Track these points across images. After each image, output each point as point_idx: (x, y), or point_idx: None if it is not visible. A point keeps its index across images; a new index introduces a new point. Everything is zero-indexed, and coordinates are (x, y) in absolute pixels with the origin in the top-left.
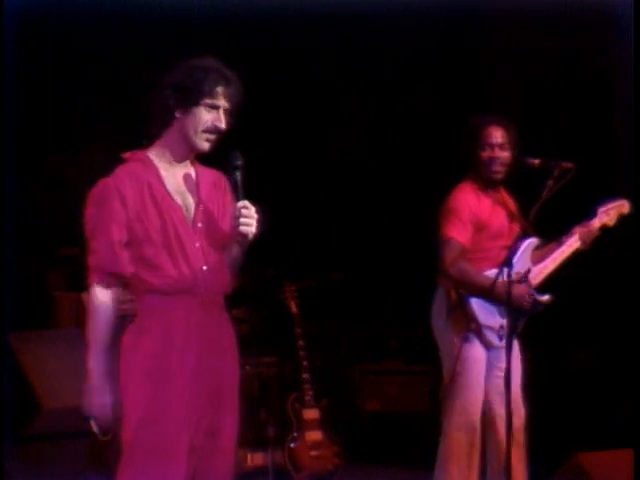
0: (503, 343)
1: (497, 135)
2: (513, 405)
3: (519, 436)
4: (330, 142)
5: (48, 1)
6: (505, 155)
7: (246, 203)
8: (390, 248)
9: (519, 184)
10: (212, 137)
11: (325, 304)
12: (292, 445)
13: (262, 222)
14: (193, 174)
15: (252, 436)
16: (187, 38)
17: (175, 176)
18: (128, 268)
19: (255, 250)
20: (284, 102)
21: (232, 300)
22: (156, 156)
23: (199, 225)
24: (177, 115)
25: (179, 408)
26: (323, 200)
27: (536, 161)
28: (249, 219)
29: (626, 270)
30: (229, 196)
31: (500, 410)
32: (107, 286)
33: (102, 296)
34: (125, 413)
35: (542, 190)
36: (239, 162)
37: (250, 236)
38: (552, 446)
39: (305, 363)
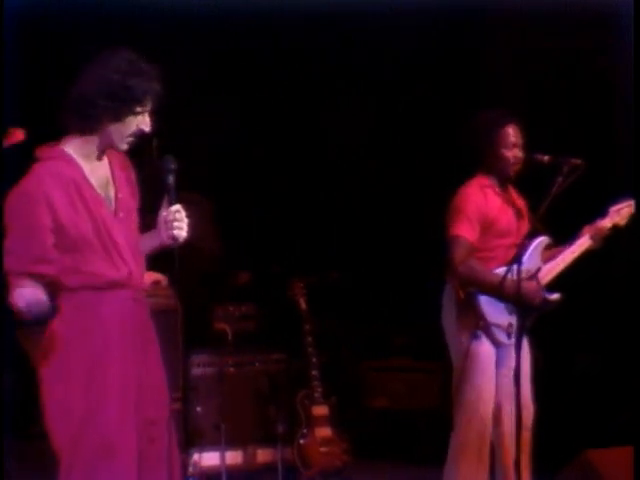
0: (512, 341)
1: (518, 134)
2: (522, 402)
3: (526, 433)
4: (330, 142)
5: (48, 1)
6: (522, 155)
7: (179, 207)
8: (396, 246)
9: (527, 181)
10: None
11: (331, 302)
12: (302, 441)
13: (266, 221)
14: (107, 162)
15: (261, 433)
16: (187, 38)
17: (94, 169)
18: (50, 269)
19: (260, 248)
20: (284, 102)
21: (240, 297)
22: (74, 151)
23: (121, 215)
24: (104, 121)
25: (120, 401)
26: (326, 199)
27: (545, 157)
28: (182, 223)
29: (632, 270)
30: (133, 174)
31: (508, 409)
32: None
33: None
34: (60, 415)
35: (551, 187)
36: (173, 166)
37: (181, 240)
38: (560, 443)
39: (314, 360)
